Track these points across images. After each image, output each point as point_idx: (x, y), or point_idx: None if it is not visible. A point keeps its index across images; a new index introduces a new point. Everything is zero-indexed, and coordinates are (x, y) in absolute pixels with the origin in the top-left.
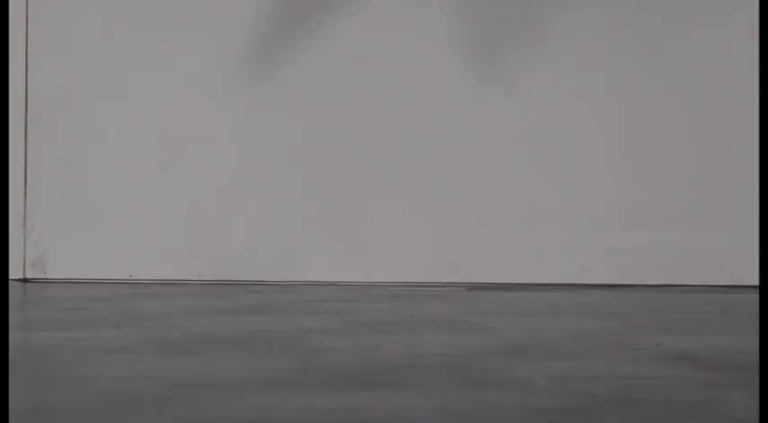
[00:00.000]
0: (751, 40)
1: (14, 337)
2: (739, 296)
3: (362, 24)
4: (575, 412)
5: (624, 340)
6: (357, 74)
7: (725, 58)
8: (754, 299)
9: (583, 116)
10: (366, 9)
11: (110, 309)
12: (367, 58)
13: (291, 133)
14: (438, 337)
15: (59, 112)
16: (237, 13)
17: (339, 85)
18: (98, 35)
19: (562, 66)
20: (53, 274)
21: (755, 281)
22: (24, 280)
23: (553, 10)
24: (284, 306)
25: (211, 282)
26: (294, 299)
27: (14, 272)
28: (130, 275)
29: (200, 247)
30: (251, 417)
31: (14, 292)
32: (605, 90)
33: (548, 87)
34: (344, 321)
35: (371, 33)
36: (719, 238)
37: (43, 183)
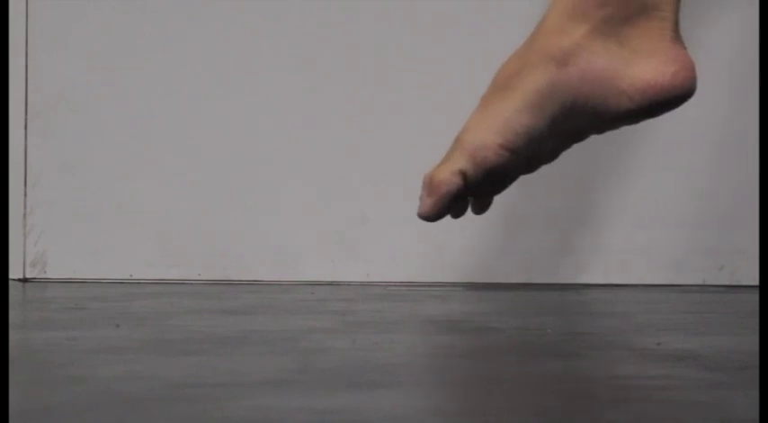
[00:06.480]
0: (752, 37)
1: (14, 336)
2: (739, 296)
3: None
4: (575, 412)
5: (624, 340)
6: (359, 75)
7: (725, 55)
8: (754, 299)
9: None
10: None
11: (110, 309)
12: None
13: (291, 133)
14: (438, 337)
15: (59, 112)
16: (240, 11)
17: (343, 84)
18: (99, 35)
19: None
20: (53, 273)
21: (755, 281)
22: (24, 280)
23: None
24: (284, 306)
25: (211, 282)
26: (294, 298)
27: (14, 272)
28: (130, 275)
29: (201, 247)
30: (251, 417)
31: (14, 292)
32: None
33: None
34: (344, 321)
35: None
36: (719, 238)
37: (43, 183)
